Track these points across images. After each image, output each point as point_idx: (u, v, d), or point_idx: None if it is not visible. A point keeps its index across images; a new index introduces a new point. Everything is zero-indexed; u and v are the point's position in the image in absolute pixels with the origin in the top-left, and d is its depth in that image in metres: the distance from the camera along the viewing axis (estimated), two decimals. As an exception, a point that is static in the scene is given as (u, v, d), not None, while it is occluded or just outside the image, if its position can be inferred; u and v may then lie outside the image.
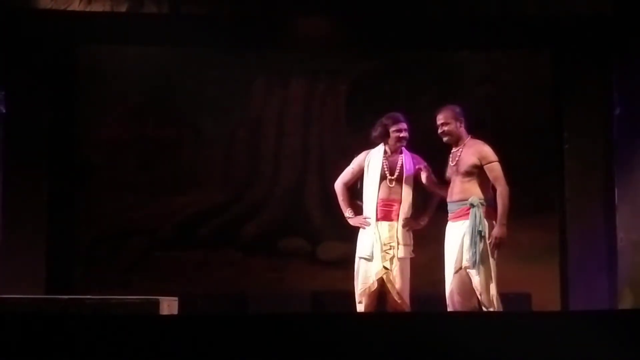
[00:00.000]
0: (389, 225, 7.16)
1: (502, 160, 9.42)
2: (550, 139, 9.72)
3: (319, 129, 9.89)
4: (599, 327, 5.01)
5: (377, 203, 7.22)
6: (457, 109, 7.08)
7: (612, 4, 8.86)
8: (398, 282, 7.13)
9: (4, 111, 8.80)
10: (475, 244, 6.77)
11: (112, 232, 9.63)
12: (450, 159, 7.05)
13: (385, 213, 7.19)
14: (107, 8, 8.77)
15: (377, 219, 7.18)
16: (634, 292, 8.66)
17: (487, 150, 6.98)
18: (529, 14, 8.97)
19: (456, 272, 6.87)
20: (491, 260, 6.83)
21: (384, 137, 7.31)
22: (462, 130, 7.05)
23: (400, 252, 7.15)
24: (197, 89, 9.84)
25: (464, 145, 7.00)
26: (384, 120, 7.34)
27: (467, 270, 6.83)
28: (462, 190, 6.92)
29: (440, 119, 7.06)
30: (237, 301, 9.34)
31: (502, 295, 8.93)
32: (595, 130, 9.36)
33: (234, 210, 9.85)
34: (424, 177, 7.21)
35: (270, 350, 4.87)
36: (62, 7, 8.74)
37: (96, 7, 8.76)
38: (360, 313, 6.95)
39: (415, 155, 7.35)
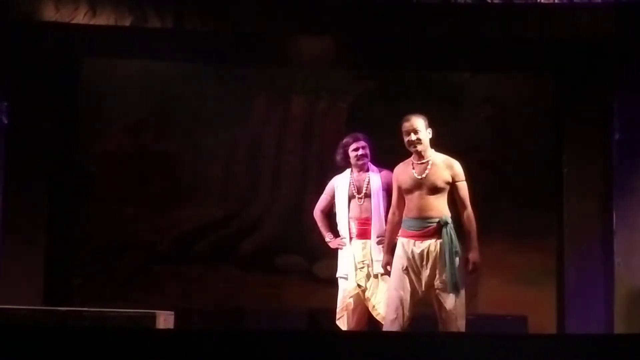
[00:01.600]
0: (362, 243, 7.18)
1: (501, 182, 9.52)
2: (549, 162, 9.74)
3: (318, 147, 9.91)
4: (595, 351, 5.02)
5: (348, 222, 7.26)
6: (425, 118, 6.70)
7: (614, 29, 8.89)
8: (375, 299, 7.14)
9: (5, 122, 8.82)
10: (452, 264, 6.43)
11: (110, 245, 9.64)
12: (415, 172, 6.59)
13: (362, 231, 7.22)
14: (111, 22, 8.78)
15: (355, 237, 7.22)
16: (630, 316, 8.65)
17: (459, 167, 6.62)
18: (530, 37, 8.98)
19: (422, 294, 6.56)
20: (463, 283, 6.54)
21: (347, 159, 7.37)
22: (429, 141, 6.67)
23: (376, 268, 7.15)
24: (198, 104, 9.86)
25: (430, 158, 6.63)
26: (344, 141, 7.41)
27: (438, 292, 6.50)
28: (433, 207, 6.52)
29: (410, 125, 6.63)
30: (233, 317, 9.34)
31: (498, 317, 8.99)
32: (594, 155, 9.37)
33: (232, 226, 9.86)
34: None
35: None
36: (66, 20, 8.74)
37: (100, 21, 8.77)
38: (356, 332, 6.95)
39: (385, 170, 7.36)
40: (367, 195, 7.25)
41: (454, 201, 6.64)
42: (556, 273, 9.57)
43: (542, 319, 9.31)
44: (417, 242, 6.54)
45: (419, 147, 6.60)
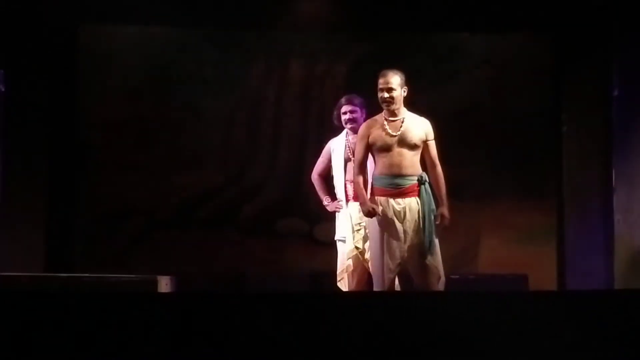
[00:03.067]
0: (358, 205, 7.13)
1: (501, 142, 9.49)
2: (548, 122, 9.74)
3: (317, 110, 9.89)
4: (596, 307, 5.04)
5: (345, 185, 7.23)
6: (403, 76, 6.59)
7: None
8: None
9: (3, 90, 8.80)
10: (431, 222, 6.41)
11: (111, 211, 9.64)
12: (390, 129, 6.48)
13: None
14: (107, -14, 8.77)
15: (352, 200, 7.19)
16: (630, 273, 8.69)
17: (430, 126, 6.58)
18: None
19: (412, 253, 6.47)
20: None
21: (340, 119, 7.32)
22: (403, 100, 6.59)
23: None
24: (197, 69, 9.84)
25: (403, 115, 6.55)
26: (338, 103, 7.34)
27: (421, 250, 6.43)
28: (412, 164, 6.46)
29: (385, 82, 6.53)
30: (235, 281, 9.36)
31: (499, 276, 9.01)
32: (593, 113, 9.38)
33: (232, 191, 9.87)
34: None
35: (267, 327, 4.90)
36: (62, -15, 8.74)
37: (96, -15, 8.77)
38: (357, 292, 6.95)
39: None
40: None
41: (422, 159, 6.59)
42: (556, 231, 9.59)
43: (543, 277, 9.33)
44: (397, 199, 6.47)
45: (392, 106, 6.52)
